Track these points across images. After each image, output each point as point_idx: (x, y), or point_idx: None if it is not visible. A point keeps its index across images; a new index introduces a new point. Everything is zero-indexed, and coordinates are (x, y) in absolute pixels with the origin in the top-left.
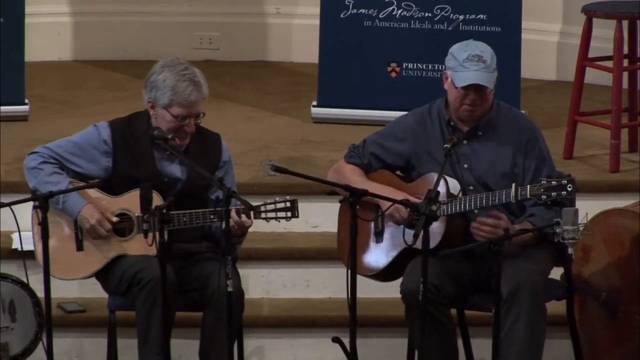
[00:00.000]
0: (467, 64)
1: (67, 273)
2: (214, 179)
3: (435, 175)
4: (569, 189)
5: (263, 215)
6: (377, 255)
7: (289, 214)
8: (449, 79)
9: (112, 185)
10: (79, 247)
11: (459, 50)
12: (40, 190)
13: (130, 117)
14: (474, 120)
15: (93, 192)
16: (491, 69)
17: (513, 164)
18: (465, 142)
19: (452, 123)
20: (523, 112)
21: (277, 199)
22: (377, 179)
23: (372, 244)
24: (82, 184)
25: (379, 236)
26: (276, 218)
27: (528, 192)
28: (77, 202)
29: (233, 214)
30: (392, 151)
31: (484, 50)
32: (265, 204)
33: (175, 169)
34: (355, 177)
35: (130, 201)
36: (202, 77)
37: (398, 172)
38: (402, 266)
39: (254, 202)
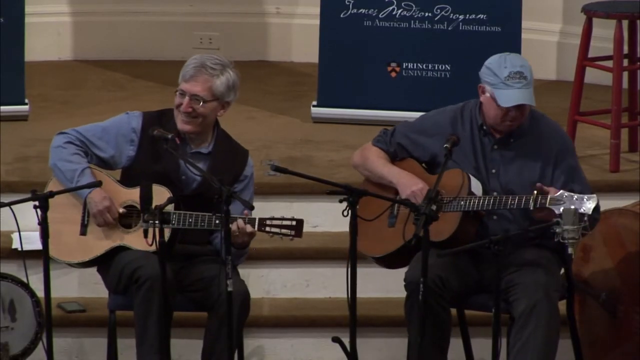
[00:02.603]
0: (510, 82)
1: (66, 255)
2: (214, 179)
3: (459, 171)
4: (589, 206)
5: (268, 229)
6: (388, 240)
7: (293, 232)
8: (488, 95)
9: (130, 175)
10: (83, 232)
11: (499, 67)
12: (58, 167)
13: (162, 111)
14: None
15: (107, 179)
16: (531, 84)
17: (541, 175)
18: (496, 147)
19: (484, 127)
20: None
21: (285, 216)
22: (401, 167)
23: (385, 228)
24: (100, 170)
25: (392, 219)
26: (280, 234)
27: (548, 201)
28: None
29: (239, 220)
30: (419, 145)
31: (524, 65)
32: (272, 219)
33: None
34: (378, 160)
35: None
36: (225, 72)
37: (424, 165)
38: (412, 254)
39: (257, 207)
